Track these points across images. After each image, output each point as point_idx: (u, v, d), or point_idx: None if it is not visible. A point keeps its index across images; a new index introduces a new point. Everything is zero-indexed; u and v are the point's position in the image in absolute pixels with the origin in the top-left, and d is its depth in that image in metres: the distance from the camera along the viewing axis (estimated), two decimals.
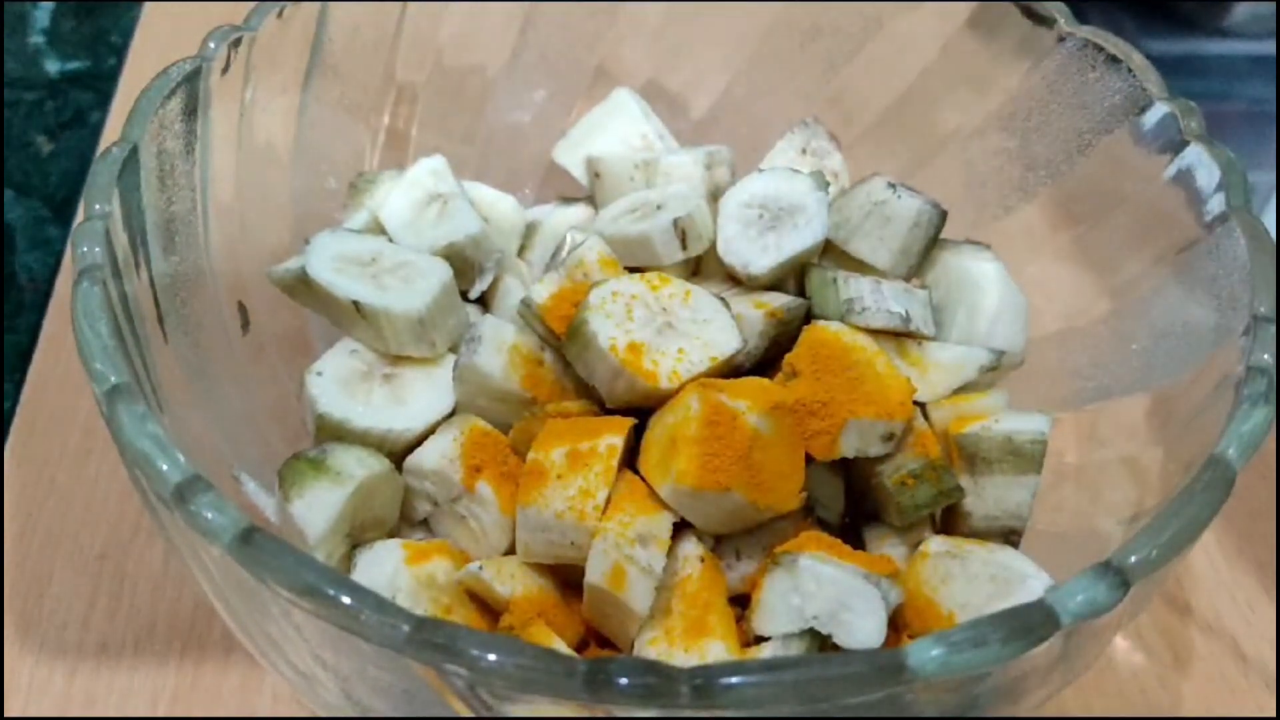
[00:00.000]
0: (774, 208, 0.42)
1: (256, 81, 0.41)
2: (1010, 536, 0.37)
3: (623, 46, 0.50)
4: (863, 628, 0.32)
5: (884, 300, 0.39)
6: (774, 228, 0.41)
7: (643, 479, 0.35)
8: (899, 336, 0.39)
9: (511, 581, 0.34)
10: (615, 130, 0.48)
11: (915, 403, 0.38)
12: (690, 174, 0.45)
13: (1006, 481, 0.37)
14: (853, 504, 0.39)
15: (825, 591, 0.33)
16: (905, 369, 0.39)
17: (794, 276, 0.42)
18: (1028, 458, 0.37)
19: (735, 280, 0.42)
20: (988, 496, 0.37)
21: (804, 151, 0.47)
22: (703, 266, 0.43)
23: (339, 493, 0.35)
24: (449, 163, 0.45)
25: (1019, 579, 0.34)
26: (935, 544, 0.36)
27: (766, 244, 0.41)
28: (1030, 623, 0.25)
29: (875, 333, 0.39)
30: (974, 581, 0.34)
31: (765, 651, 0.33)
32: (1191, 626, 0.43)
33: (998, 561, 0.34)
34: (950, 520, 0.38)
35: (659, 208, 0.42)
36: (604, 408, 0.37)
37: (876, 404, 0.36)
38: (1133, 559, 0.27)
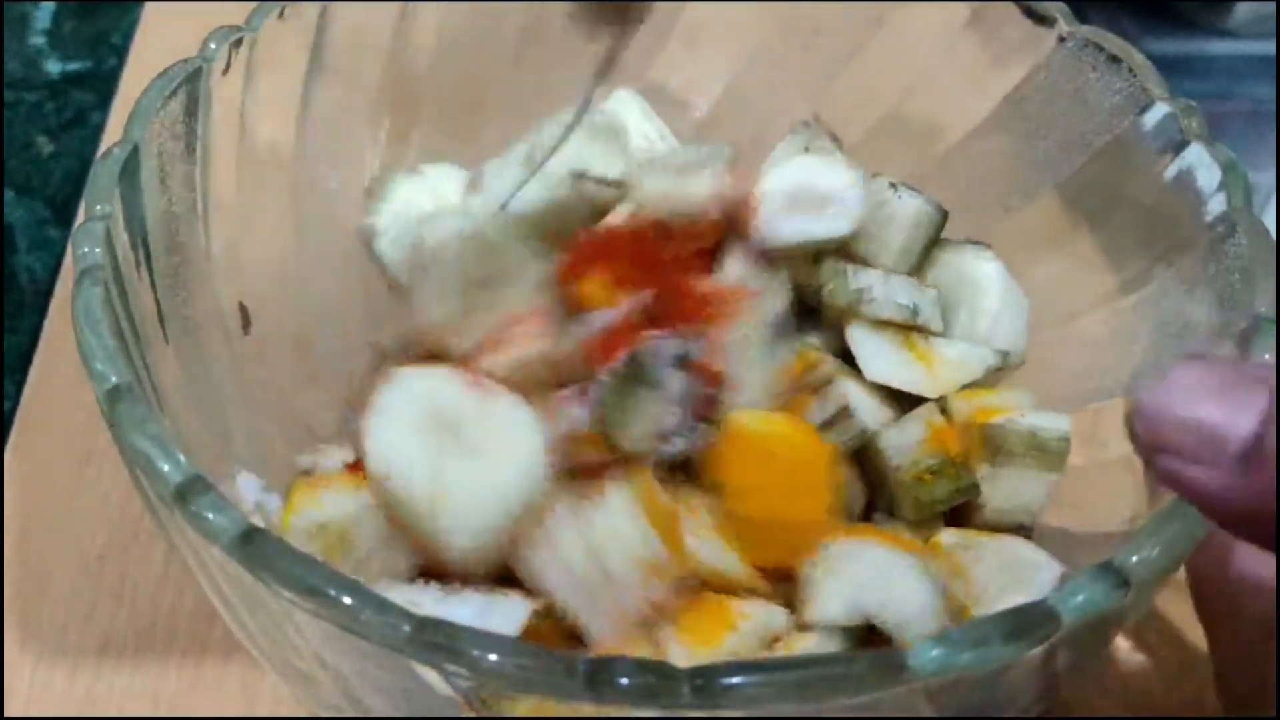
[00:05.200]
0: (812, 194, 0.42)
1: (257, 82, 0.41)
2: (1019, 532, 0.37)
3: (626, 49, 0.50)
4: (912, 603, 0.32)
5: (893, 292, 0.40)
6: (806, 211, 0.41)
7: None
8: (906, 329, 0.40)
9: None
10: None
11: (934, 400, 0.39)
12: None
13: (1025, 476, 0.37)
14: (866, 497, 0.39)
15: (872, 575, 0.33)
16: (913, 362, 0.39)
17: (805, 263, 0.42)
18: (1053, 455, 0.37)
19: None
20: (1002, 489, 0.37)
21: (805, 151, 0.47)
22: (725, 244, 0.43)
23: None
24: (449, 164, 0.45)
25: (1031, 568, 0.34)
26: (947, 537, 0.36)
27: (794, 224, 0.41)
28: (1030, 623, 0.25)
29: (883, 324, 0.39)
30: (986, 573, 0.34)
31: (809, 643, 0.33)
32: (1192, 626, 0.43)
33: (1009, 552, 0.35)
34: (960, 513, 0.38)
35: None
36: None
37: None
38: (1133, 559, 0.27)
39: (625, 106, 0.49)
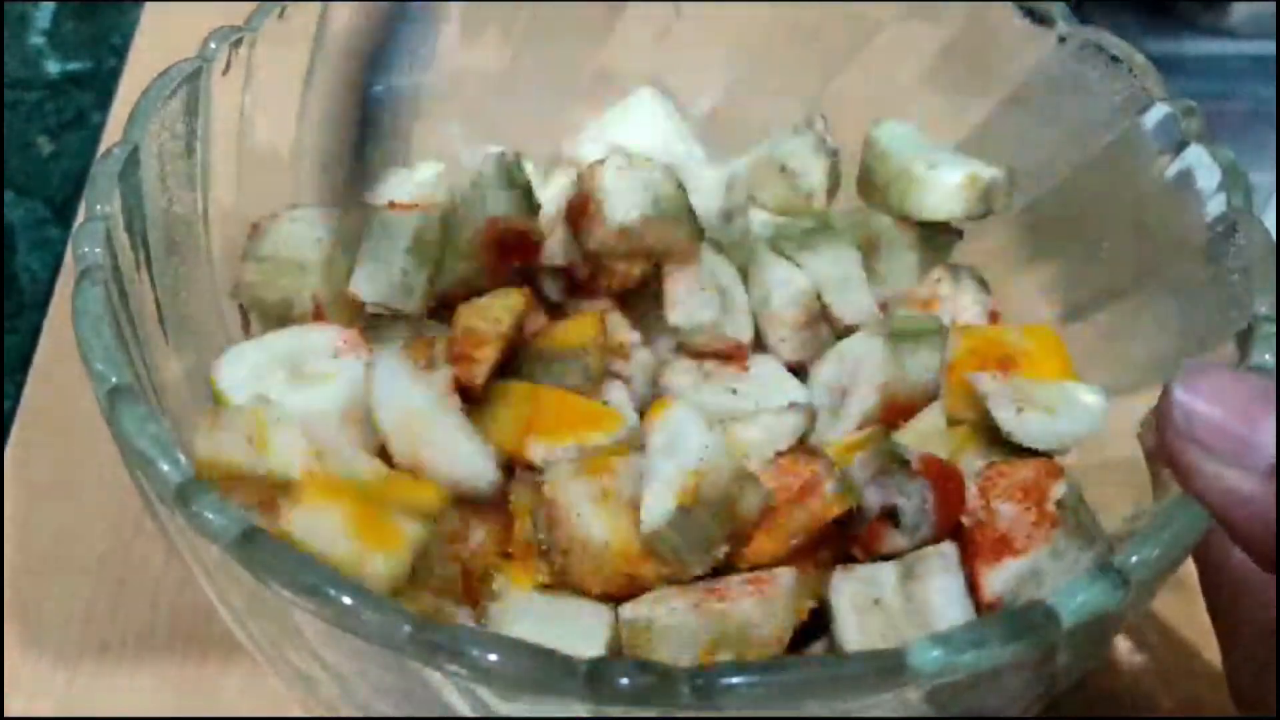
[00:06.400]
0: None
1: (256, 81, 0.41)
2: None
3: (624, 47, 0.50)
4: None
5: None
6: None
7: None
8: None
9: None
10: (634, 128, 0.47)
11: None
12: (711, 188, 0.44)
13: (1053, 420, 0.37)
14: None
15: None
16: None
17: None
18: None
19: None
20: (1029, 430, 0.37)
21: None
22: None
23: None
24: (450, 164, 0.45)
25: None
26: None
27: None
28: (1030, 623, 0.25)
29: None
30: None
31: None
32: (1192, 626, 0.43)
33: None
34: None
35: None
36: None
37: None
38: (1133, 559, 0.27)
39: (645, 105, 0.48)
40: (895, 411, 0.39)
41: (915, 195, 0.42)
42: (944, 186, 0.42)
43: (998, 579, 0.33)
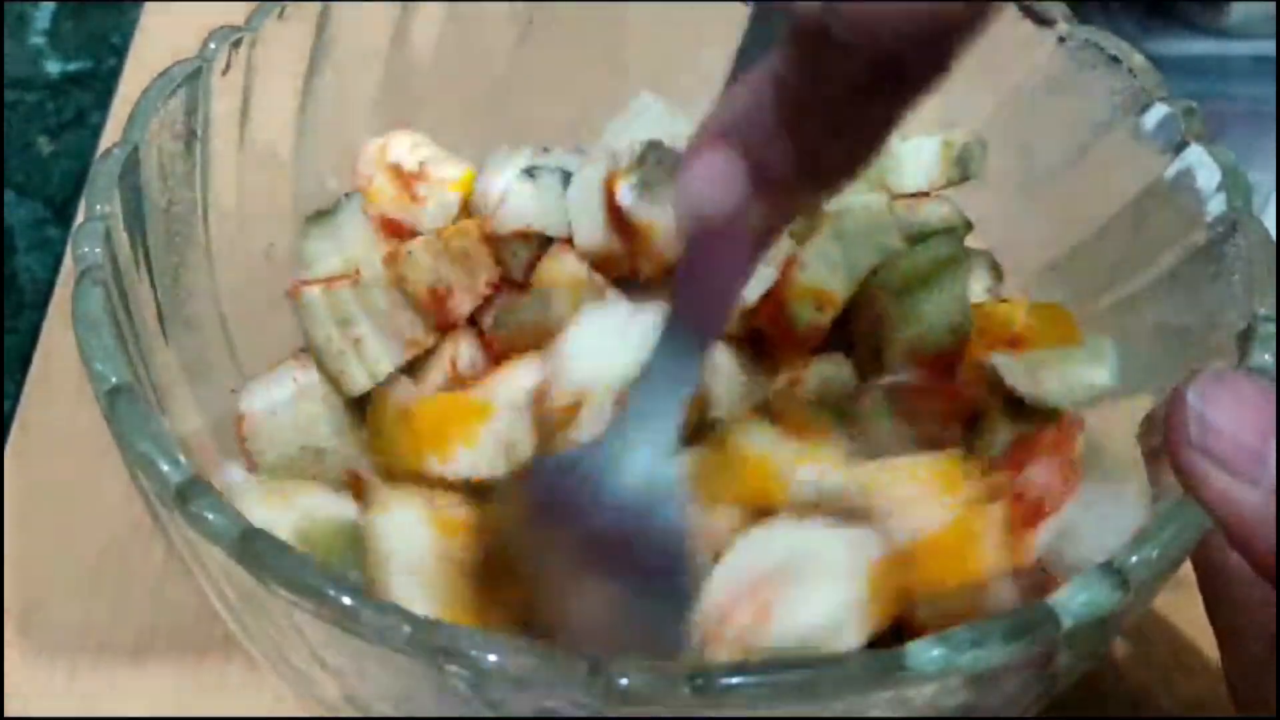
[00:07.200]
0: None
1: (256, 81, 0.41)
2: None
3: (625, 48, 0.50)
4: None
5: None
6: None
7: None
8: None
9: None
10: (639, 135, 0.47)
11: None
12: None
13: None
14: None
15: None
16: None
17: None
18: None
19: None
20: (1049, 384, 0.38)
21: None
22: None
23: None
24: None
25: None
26: None
27: None
28: (1030, 623, 0.25)
29: None
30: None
31: None
32: (1192, 626, 0.43)
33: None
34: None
35: None
36: None
37: None
38: (1133, 559, 0.27)
39: (648, 111, 0.48)
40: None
41: (893, 168, 0.43)
42: (920, 155, 0.42)
43: (1038, 541, 0.33)
